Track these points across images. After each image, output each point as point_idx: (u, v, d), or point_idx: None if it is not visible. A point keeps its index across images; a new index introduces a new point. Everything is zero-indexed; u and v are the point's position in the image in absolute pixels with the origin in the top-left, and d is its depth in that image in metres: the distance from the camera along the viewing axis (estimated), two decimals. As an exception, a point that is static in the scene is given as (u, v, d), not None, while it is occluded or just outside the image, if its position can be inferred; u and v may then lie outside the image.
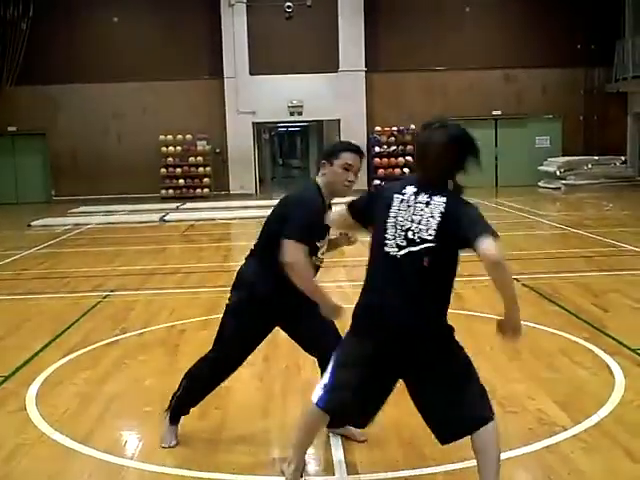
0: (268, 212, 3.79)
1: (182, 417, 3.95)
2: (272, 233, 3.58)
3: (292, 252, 3.39)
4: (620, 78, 21.93)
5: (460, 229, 2.88)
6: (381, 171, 21.57)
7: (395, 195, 3.05)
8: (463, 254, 2.99)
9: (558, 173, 21.09)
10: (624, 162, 21.84)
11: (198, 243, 12.71)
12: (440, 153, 3.02)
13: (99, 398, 4.71)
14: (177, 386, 3.91)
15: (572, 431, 3.92)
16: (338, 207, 3.52)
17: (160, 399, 4.22)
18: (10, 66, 21.28)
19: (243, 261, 3.82)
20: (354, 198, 3.33)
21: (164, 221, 15.91)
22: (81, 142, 21.98)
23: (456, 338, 3.12)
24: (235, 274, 3.82)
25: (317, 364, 3.83)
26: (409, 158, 21.68)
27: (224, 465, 3.67)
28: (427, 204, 2.96)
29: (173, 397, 3.92)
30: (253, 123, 22.24)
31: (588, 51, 22.17)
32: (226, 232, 14.60)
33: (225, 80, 21.79)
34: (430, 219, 2.93)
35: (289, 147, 25.13)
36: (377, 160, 21.79)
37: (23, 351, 5.77)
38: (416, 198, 3.00)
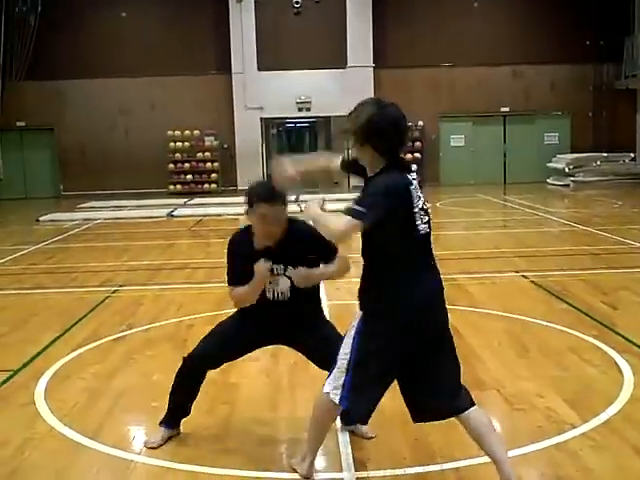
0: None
1: (181, 420, 3.96)
2: None
3: (230, 295, 3.73)
4: (630, 75, 21.82)
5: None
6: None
7: (408, 185, 3.09)
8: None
9: (567, 170, 21.02)
10: (633, 159, 21.74)
11: (206, 238, 12.72)
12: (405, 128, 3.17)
13: (107, 393, 4.72)
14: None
15: (581, 429, 3.90)
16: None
17: (168, 394, 4.22)
18: (19, 62, 21.32)
19: None
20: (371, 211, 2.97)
21: (172, 216, 15.93)
22: (89, 137, 22.03)
23: None
24: None
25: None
26: (417, 154, 21.67)
27: (231, 460, 3.67)
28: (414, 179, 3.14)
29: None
30: (261, 119, 22.24)
31: (597, 47, 22.08)
32: (234, 227, 14.48)
33: (233, 76, 21.78)
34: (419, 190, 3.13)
35: (297, 143, 25.11)
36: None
37: (31, 345, 5.79)
38: (414, 179, 3.14)
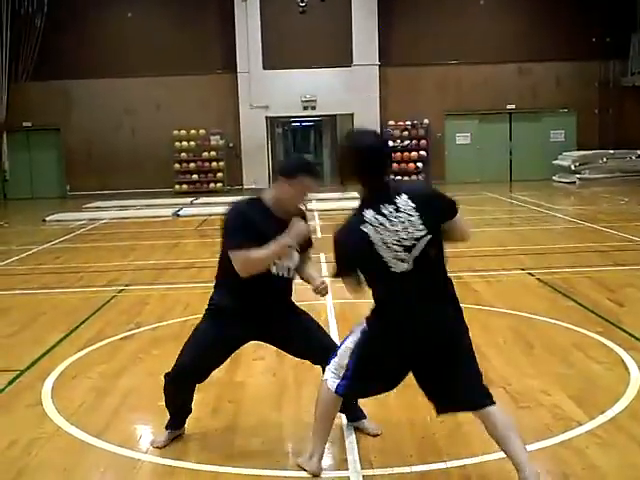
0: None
1: (185, 419, 3.95)
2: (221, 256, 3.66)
3: (237, 259, 3.42)
4: (636, 72, 21.74)
5: (439, 208, 3.09)
6: (395, 165, 21.48)
7: (362, 229, 3.02)
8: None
9: (573, 167, 20.96)
10: (639, 156, 21.69)
11: (212, 238, 12.68)
12: (384, 156, 3.16)
13: (114, 392, 4.73)
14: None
15: (587, 426, 3.90)
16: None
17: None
18: (25, 62, 21.39)
19: None
20: (337, 269, 3.20)
21: (178, 216, 15.95)
22: (95, 137, 22.08)
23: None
24: None
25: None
26: (423, 152, 21.64)
27: (238, 459, 3.68)
28: (397, 210, 3.02)
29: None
30: (266, 117, 22.24)
31: (603, 44, 22.00)
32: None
33: (238, 75, 21.79)
34: (410, 218, 3.00)
35: (302, 141, 25.12)
36: (391, 154, 21.69)
37: (38, 345, 5.81)
38: (382, 214, 3.02)
